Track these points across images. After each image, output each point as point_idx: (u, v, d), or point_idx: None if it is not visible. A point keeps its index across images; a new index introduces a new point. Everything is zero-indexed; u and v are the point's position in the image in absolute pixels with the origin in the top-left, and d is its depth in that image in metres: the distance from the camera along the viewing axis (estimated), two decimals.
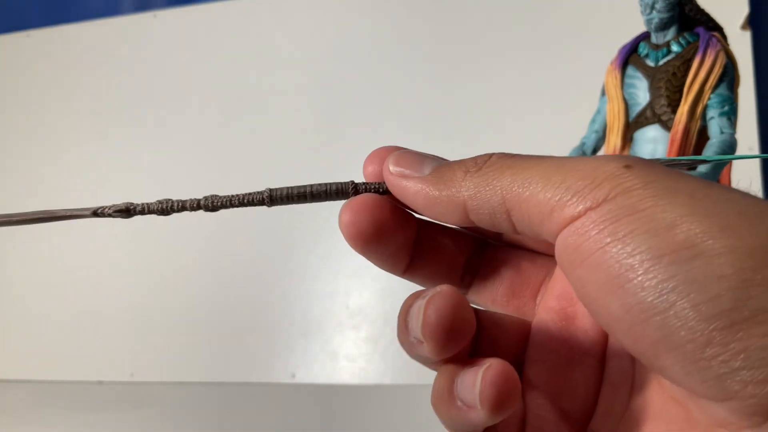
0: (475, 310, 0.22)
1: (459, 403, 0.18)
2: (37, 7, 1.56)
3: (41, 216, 0.21)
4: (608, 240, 0.17)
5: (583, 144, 0.96)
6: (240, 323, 1.33)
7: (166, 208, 0.21)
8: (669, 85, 0.58)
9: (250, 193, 0.21)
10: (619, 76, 0.63)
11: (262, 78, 1.38)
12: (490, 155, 0.20)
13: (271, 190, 0.21)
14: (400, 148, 0.22)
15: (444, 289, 0.19)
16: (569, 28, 1.15)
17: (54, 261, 1.42)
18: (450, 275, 0.24)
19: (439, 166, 0.21)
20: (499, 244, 0.24)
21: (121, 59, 1.47)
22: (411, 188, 0.21)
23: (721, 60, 0.57)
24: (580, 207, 0.17)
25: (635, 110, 0.62)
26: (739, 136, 0.56)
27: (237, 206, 0.21)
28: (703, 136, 0.57)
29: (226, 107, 1.39)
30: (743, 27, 0.94)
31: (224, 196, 0.21)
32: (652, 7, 0.62)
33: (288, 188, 0.21)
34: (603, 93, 0.69)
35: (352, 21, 1.35)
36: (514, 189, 0.19)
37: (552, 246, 0.19)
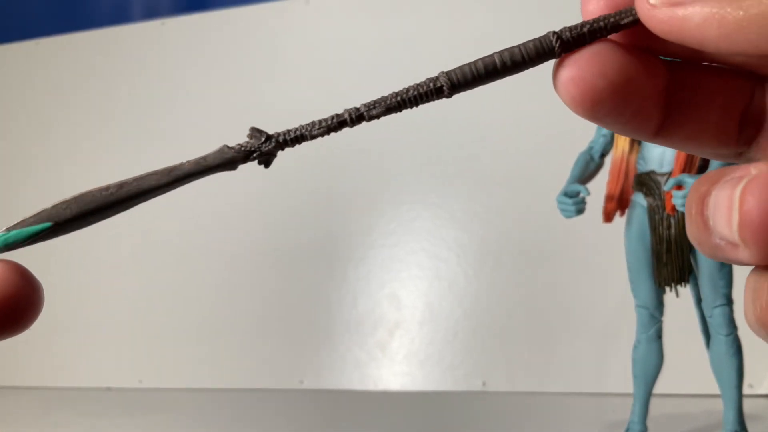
0: None
1: None
2: (46, 16, 1.57)
3: (173, 177, 0.17)
4: None
5: (591, 148, 0.96)
6: (248, 330, 1.33)
7: (316, 128, 0.17)
8: None
9: (422, 84, 0.17)
10: None
11: (269, 84, 1.38)
12: None
13: (447, 73, 0.16)
14: None
15: (764, 170, 0.13)
16: None
17: (61, 268, 1.43)
18: (723, 131, 0.18)
19: None
20: None
21: (130, 66, 1.48)
22: (696, 15, 0.15)
23: None
24: None
25: None
26: None
27: (408, 105, 0.17)
28: None
29: (234, 113, 1.39)
30: None
31: (389, 96, 0.17)
32: None
33: (470, 65, 0.16)
34: None
35: (360, 26, 1.36)
36: None
37: None
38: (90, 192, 0.16)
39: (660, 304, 0.82)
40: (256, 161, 0.17)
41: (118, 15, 1.52)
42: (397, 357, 1.23)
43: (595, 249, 1.12)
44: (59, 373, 1.41)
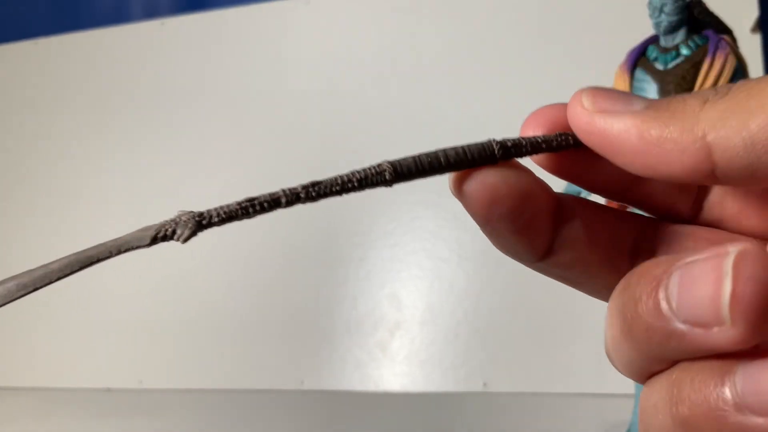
0: None
1: (753, 418, 0.12)
2: (44, 15, 1.57)
3: (83, 263, 0.16)
4: None
5: None
6: (249, 330, 1.33)
7: (249, 209, 0.16)
8: (679, 89, 0.58)
9: (364, 170, 0.16)
10: (628, 80, 0.63)
11: (270, 84, 1.38)
12: (730, 85, 0.14)
13: (392, 163, 0.16)
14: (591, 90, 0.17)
15: (751, 247, 0.12)
16: (577, 31, 1.14)
17: None
18: (610, 259, 0.17)
19: (656, 100, 0.15)
20: (684, 222, 0.17)
21: (129, 67, 1.48)
22: (618, 125, 0.15)
23: (731, 63, 0.57)
24: None
25: None
26: None
27: (349, 191, 0.16)
28: None
29: (234, 114, 1.39)
30: (753, 30, 0.94)
31: (330, 180, 0.16)
32: (661, 10, 0.62)
33: (414, 158, 0.17)
34: None
35: (360, 27, 1.35)
36: None
37: None
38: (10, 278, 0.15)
39: None
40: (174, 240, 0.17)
41: (118, 15, 1.52)
42: (397, 357, 1.22)
43: None
44: (59, 373, 1.41)
